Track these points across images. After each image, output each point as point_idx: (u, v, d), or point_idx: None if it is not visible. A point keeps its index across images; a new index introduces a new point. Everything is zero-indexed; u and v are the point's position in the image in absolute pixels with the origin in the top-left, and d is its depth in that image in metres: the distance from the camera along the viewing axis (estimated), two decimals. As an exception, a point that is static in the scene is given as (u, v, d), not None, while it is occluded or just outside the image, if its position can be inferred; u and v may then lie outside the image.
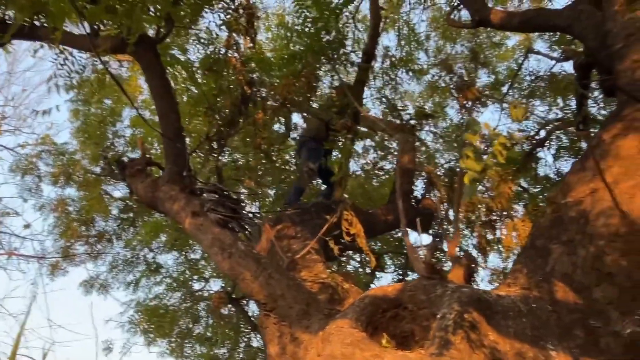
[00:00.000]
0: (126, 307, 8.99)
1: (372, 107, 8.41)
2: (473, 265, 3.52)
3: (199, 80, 4.98)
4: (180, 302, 8.97)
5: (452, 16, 7.20)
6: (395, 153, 6.62)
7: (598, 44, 4.53)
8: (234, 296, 6.93)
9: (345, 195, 6.99)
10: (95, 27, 3.83)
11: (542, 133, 7.83)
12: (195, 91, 5.09)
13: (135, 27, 3.51)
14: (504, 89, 8.32)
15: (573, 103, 7.33)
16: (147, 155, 4.14)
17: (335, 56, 4.72)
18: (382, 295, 2.82)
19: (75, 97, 7.73)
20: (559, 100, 7.73)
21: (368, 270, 8.83)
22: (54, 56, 4.00)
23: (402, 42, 8.94)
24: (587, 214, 2.93)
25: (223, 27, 4.38)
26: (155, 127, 4.94)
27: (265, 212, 5.00)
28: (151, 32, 4.46)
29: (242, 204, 3.47)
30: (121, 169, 4.01)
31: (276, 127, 6.14)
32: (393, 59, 7.77)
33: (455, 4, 7.29)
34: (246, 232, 3.47)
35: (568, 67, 7.56)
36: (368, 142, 6.88)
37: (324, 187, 5.68)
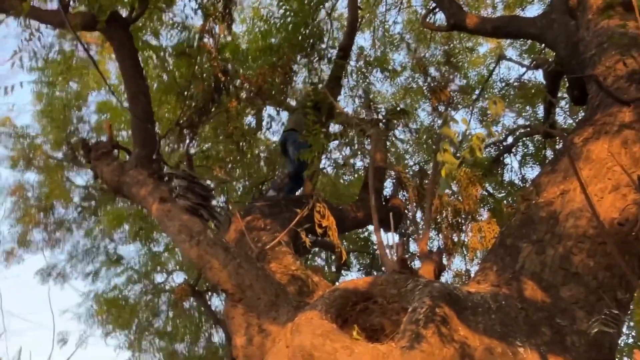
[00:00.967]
0: (84, 298, 8.70)
1: (346, 104, 8.43)
2: (443, 263, 3.52)
3: (171, 66, 4.84)
4: (141, 295, 8.73)
5: (427, 19, 7.27)
6: (367, 151, 6.61)
7: (569, 53, 4.63)
8: (197, 289, 6.79)
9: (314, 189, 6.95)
10: (66, 1, 3.66)
11: (510, 139, 7.99)
12: (167, 77, 4.94)
13: (106, 5, 3.38)
14: (475, 94, 8.44)
15: (541, 111, 7.50)
16: (115, 138, 3.99)
17: (312, 50, 4.66)
18: (353, 288, 2.78)
19: (39, 78, 7.43)
20: (528, 108, 7.90)
21: (334, 268, 8.81)
22: (20, 30, 3.81)
23: (377, 42, 8.98)
24: (557, 214, 2.97)
25: (199, 12, 4.26)
26: (122, 112, 4.78)
27: (235, 202, 4.90)
28: (124, 13, 4.31)
29: (212, 192, 3.37)
30: (86, 151, 3.85)
31: (248, 120, 6.06)
32: (368, 58, 7.78)
33: (432, 6, 7.36)
34: (215, 221, 3.38)
35: (538, 75, 7.73)
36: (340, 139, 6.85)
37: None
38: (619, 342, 2.93)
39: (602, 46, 3.75)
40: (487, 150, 8.12)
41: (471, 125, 8.63)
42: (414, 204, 6.36)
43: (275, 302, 2.82)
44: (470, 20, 6.13)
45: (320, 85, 4.97)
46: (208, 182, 4.63)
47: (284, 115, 6.01)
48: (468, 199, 6.08)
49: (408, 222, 6.56)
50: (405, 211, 6.39)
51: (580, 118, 4.41)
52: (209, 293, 7.17)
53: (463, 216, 6.25)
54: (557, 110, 7.30)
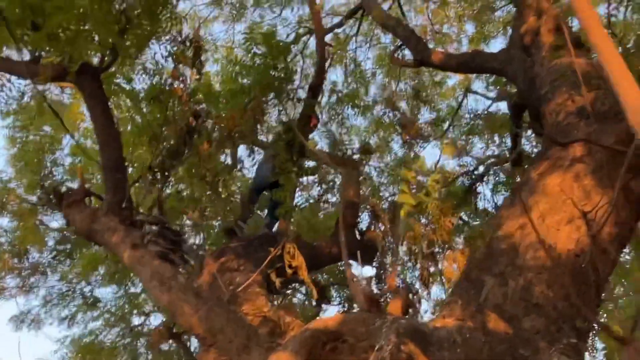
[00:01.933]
0: (60, 345, 8.52)
1: (320, 140, 8.60)
2: (413, 296, 3.60)
3: (144, 110, 4.93)
4: (119, 338, 8.58)
5: (396, 55, 7.53)
6: (339, 186, 6.74)
7: (527, 87, 4.86)
8: (175, 331, 6.73)
9: (291, 228, 7.02)
10: (37, 54, 3.76)
11: (481, 169, 8.21)
12: (140, 121, 5.02)
13: (77, 56, 3.48)
14: (445, 125, 8.70)
15: (509, 141, 7.75)
16: (87, 186, 4.04)
17: (282, 91, 4.81)
18: (323, 327, 2.84)
19: (12, 123, 7.45)
20: (496, 138, 8.15)
21: (314, 303, 8.80)
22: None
23: (349, 79, 9.23)
24: (517, 247, 3.09)
25: (170, 59, 4.39)
26: (94, 157, 4.85)
27: (211, 244, 4.95)
28: (95, 60, 4.42)
29: (184, 236, 3.43)
30: (58, 199, 3.88)
31: (223, 157, 6.14)
32: (340, 94, 7.99)
33: (399, 44, 7.63)
34: (187, 265, 3.43)
35: (504, 106, 8.02)
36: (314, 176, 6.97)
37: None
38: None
39: (554, 83, 3.97)
40: (460, 180, 8.34)
41: (441, 157, 8.90)
42: (389, 237, 6.47)
43: (247, 344, 2.86)
44: (435, 57, 6.39)
45: (291, 124, 5.10)
46: (183, 224, 4.68)
47: (259, 153, 6.13)
48: (441, 230, 6.20)
49: (383, 253, 6.65)
50: (381, 243, 6.49)
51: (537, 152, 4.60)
52: (187, 335, 7.10)
53: (438, 246, 6.36)
54: (524, 139, 7.55)
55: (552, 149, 3.43)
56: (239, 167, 6.21)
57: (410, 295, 3.32)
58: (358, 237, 6.07)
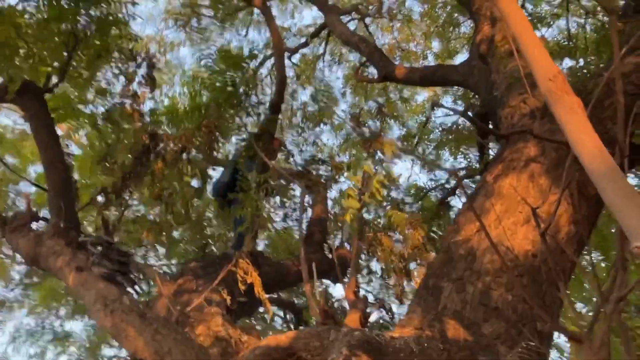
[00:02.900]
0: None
1: (294, 160, 8.51)
2: (387, 312, 3.47)
3: (100, 132, 4.80)
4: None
5: (360, 71, 7.54)
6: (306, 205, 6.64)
7: (489, 96, 4.85)
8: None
9: (263, 248, 6.87)
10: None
11: (453, 182, 8.18)
12: (93, 143, 4.88)
13: (16, 75, 3.36)
14: (416, 140, 8.68)
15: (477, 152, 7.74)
16: (33, 210, 3.86)
17: (242, 107, 4.73)
18: (275, 345, 2.69)
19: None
20: (465, 150, 8.14)
21: (292, 326, 8.58)
22: None
23: (318, 97, 9.21)
24: (474, 251, 3.00)
25: (121, 77, 4.28)
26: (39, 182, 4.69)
27: (164, 264, 4.78)
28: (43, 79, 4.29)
29: (132, 256, 3.27)
30: (1, 224, 3.70)
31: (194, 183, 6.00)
32: (307, 113, 7.96)
33: (363, 60, 7.65)
34: (136, 285, 3.26)
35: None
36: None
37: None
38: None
39: (508, 87, 3.95)
40: (433, 193, 8.28)
41: (414, 170, 8.83)
42: (358, 253, 6.35)
43: (195, 366, 2.70)
44: (399, 72, 6.39)
45: (251, 139, 5.00)
46: (145, 246, 4.51)
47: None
48: (412, 244, 6.10)
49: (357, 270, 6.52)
50: (351, 259, 6.37)
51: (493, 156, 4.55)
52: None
53: (412, 261, 6.25)
54: (492, 148, 7.54)
55: (507, 150, 3.38)
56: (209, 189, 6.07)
57: (368, 308, 3.18)
58: (328, 254, 5.94)
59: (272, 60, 8.99)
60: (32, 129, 3.62)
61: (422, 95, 9.90)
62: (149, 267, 3.99)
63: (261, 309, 4.88)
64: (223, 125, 4.73)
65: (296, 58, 9.66)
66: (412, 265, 6.18)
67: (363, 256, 6.45)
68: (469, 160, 7.78)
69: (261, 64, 7.87)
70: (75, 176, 4.73)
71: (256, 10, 9.15)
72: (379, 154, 5.65)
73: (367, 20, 9.41)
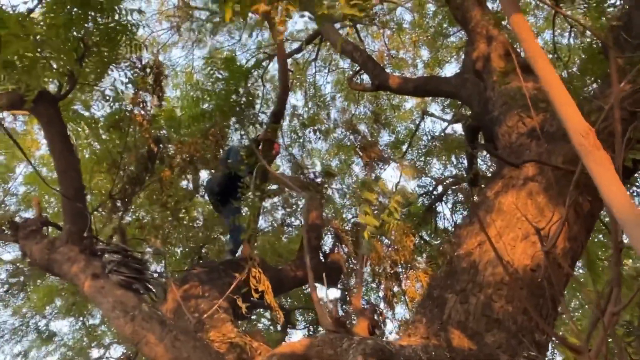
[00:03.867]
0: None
1: (282, 164, 8.65)
2: (378, 317, 3.65)
3: (103, 137, 4.87)
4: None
5: (354, 80, 7.71)
6: (302, 210, 6.78)
7: (481, 109, 5.06)
8: (136, 363, 6.52)
9: (255, 252, 6.98)
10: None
11: (440, 189, 8.42)
12: (99, 148, 4.95)
13: (34, 84, 3.43)
14: (404, 147, 8.91)
15: (465, 161, 8.00)
16: (44, 215, 3.93)
17: (244, 116, 4.85)
18: (290, 352, 2.84)
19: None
20: (453, 159, 8.40)
21: (279, 327, 8.72)
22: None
23: (309, 103, 9.37)
24: (477, 264, 3.19)
25: (130, 85, 4.37)
26: (52, 185, 4.73)
27: (173, 270, 4.87)
28: (52, 87, 4.35)
29: (147, 264, 3.37)
30: (14, 230, 3.76)
31: (184, 183, 6.10)
32: (301, 118, 8.10)
33: (357, 69, 7.82)
34: (151, 293, 3.37)
35: (459, 128, 8.30)
36: (276, 199, 7.00)
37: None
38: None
39: (505, 106, 4.16)
40: (420, 200, 8.52)
41: (401, 178, 9.09)
42: (353, 258, 6.52)
43: (213, 372, 2.83)
44: (392, 81, 6.58)
45: (254, 148, 5.12)
46: (144, 253, 4.60)
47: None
48: (403, 250, 6.29)
49: (347, 275, 6.70)
50: (345, 265, 6.54)
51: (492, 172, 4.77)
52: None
53: (402, 266, 6.45)
54: (480, 159, 7.81)
55: (506, 168, 3.58)
56: (200, 192, 6.17)
57: (375, 316, 3.36)
58: (322, 259, 6.10)
59: (265, 62, 9.14)
60: (46, 137, 3.69)
61: (411, 102, 10.15)
62: (161, 274, 4.09)
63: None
64: (226, 134, 4.85)
65: (287, 62, 9.82)
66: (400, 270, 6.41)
67: (354, 260, 6.64)
68: (458, 168, 8.05)
69: (256, 66, 7.97)
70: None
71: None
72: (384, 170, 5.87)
73: (359, 26, 9.59)
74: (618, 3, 4.86)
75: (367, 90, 7.29)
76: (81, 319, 8.07)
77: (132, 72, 4.45)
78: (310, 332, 7.75)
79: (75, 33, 4.11)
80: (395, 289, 6.29)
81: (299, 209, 6.34)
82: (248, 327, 8.07)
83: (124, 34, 4.38)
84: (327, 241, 7.06)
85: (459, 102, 7.94)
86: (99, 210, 4.22)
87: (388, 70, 8.08)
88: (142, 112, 4.30)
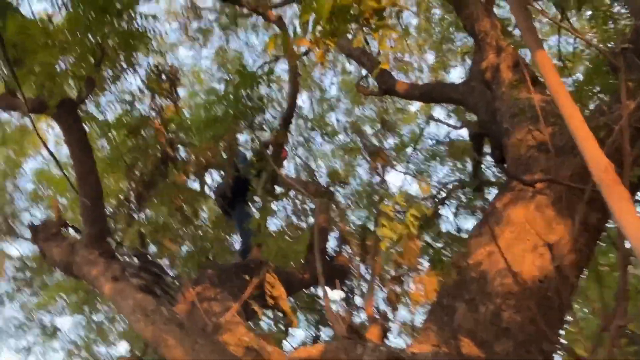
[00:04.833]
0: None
1: (288, 166, 8.75)
2: (387, 324, 3.75)
3: (116, 140, 4.97)
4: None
5: (361, 84, 7.80)
6: (309, 213, 6.89)
7: (489, 118, 5.16)
8: (143, 360, 6.63)
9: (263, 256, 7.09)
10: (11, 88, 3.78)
11: (443, 193, 8.54)
12: (111, 150, 5.05)
13: (57, 90, 3.53)
14: (409, 150, 9.01)
15: (469, 166, 8.11)
16: (62, 218, 4.03)
17: (254, 121, 4.95)
18: (306, 356, 2.95)
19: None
20: (457, 164, 8.50)
21: (282, 327, 8.83)
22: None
23: (315, 104, 9.47)
24: (486, 274, 3.30)
25: (146, 90, 4.47)
26: (64, 184, 4.83)
27: (184, 271, 4.98)
28: (71, 92, 4.45)
29: (164, 269, 3.48)
30: (34, 233, 3.86)
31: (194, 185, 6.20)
32: (307, 120, 8.20)
33: (365, 73, 7.92)
34: (168, 297, 3.47)
35: (464, 132, 8.40)
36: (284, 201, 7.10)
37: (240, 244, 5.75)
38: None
39: (514, 119, 4.26)
40: (424, 203, 8.63)
41: (406, 180, 9.18)
42: (358, 260, 6.64)
43: (232, 375, 2.93)
44: (400, 87, 6.68)
45: (265, 152, 5.22)
46: (161, 256, 4.71)
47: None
48: (408, 252, 6.37)
49: (353, 277, 6.82)
50: (351, 267, 6.66)
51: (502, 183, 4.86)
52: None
53: (405, 269, 6.55)
54: (485, 165, 7.91)
55: (515, 180, 3.68)
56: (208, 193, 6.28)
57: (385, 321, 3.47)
58: (328, 260, 6.22)
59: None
60: (66, 141, 3.78)
61: (416, 104, 10.23)
62: (178, 278, 4.19)
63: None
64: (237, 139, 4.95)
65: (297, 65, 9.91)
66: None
67: (357, 263, 6.76)
68: (463, 173, 8.15)
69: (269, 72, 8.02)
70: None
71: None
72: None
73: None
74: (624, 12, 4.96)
75: (375, 95, 7.40)
76: (89, 315, 8.17)
77: (148, 77, 4.54)
78: (313, 334, 7.86)
79: (92, 38, 4.21)
80: (398, 291, 6.40)
81: (307, 212, 6.45)
82: (256, 329, 8.19)
83: (141, 40, 4.47)
84: (332, 242, 7.20)
85: (463, 109, 8.06)
86: (117, 213, 4.33)
87: (393, 73, 8.19)
88: (159, 117, 4.39)
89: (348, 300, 6.86)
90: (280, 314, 7.98)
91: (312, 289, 8.83)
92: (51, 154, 3.06)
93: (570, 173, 3.45)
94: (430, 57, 10.14)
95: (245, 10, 6.93)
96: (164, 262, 4.68)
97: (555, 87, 1.60)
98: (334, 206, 7.01)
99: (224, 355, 3.05)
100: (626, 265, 2.67)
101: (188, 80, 8.45)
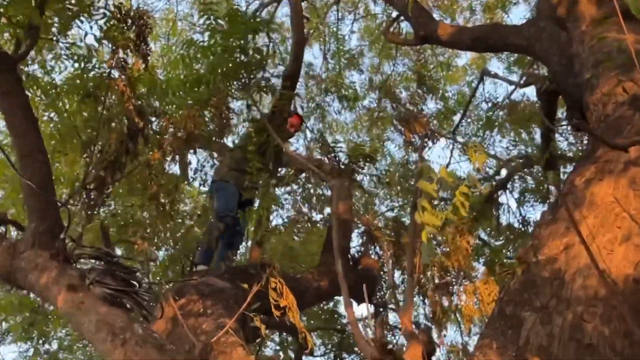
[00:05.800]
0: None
1: (297, 141, 8.75)
2: (432, 342, 3.75)
3: (68, 108, 5.00)
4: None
5: (392, 30, 7.76)
6: (325, 201, 6.89)
7: (563, 69, 5.10)
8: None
9: (264, 256, 7.14)
10: None
11: (503, 173, 8.48)
12: (61, 123, 5.09)
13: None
14: (456, 119, 8.95)
15: (538, 137, 8.04)
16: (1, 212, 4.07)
17: (251, 81, 4.94)
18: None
19: None
20: (522, 133, 8.44)
21: (291, 353, 8.91)
22: None
23: (329, 60, 9.43)
24: (562, 274, 3.27)
25: (105, 41, 4.48)
26: (9, 165, 4.88)
27: (167, 281, 5.01)
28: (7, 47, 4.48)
29: (137, 274, 3.50)
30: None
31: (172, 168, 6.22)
32: (320, 81, 8.18)
33: (395, 15, 7.87)
34: (143, 310, 3.49)
35: (531, 93, 8.32)
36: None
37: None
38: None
39: (599, 67, 4.20)
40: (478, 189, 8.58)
41: (453, 157, 9.16)
42: (391, 263, 6.63)
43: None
44: (443, 31, 6.62)
45: (265, 122, 5.22)
46: (132, 258, 4.74)
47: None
48: (457, 252, 6.37)
49: (384, 286, 6.82)
50: (380, 273, 6.66)
51: (582, 154, 4.83)
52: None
53: (453, 274, 6.55)
54: (558, 135, 7.85)
55: (601, 148, 3.64)
56: (192, 178, 6.30)
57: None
58: (351, 265, 6.22)
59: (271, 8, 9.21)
60: (2, 109, 3.82)
61: (465, 58, 10.18)
62: (154, 284, 4.23)
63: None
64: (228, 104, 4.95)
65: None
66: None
67: (390, 266, 6.76)
68: (529, 146, 8.10)
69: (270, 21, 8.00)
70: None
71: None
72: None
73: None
74: None
75: (409, 44, 7.35)
76: (38, 343, 8.30)
77: (107, 24, 4.56)
78: (334, 360, 7.93)
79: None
80: (446, 304, 6.40)
81: (322, 200, 6.45)
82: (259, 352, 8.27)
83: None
84: (356, 240, 7.21)
85: (531, 59, 7.97)
86: (71, 203, 4.35)
87: (435, 16, 8.12)
88: (124, 77, 4.41)
89: (379, 315, 6.88)
90: (290, 334, 8.09)
91: (331, 303, 8.91)
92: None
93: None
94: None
95: None
96: (137, 266, 4.71)
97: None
98: (357, 192, 7.00)
99: (217, 385, 3.09)
100: None
101: (161, 28, 8.45)
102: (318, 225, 7.36)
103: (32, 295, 6.26)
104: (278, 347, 9.23)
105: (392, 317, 6.79)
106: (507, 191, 8.35)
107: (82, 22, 4.58)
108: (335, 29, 9.52)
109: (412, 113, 7.35)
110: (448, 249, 6.34)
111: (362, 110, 9.26)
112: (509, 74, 8.87)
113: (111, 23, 4.49)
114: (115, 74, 4.46)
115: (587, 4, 4.72)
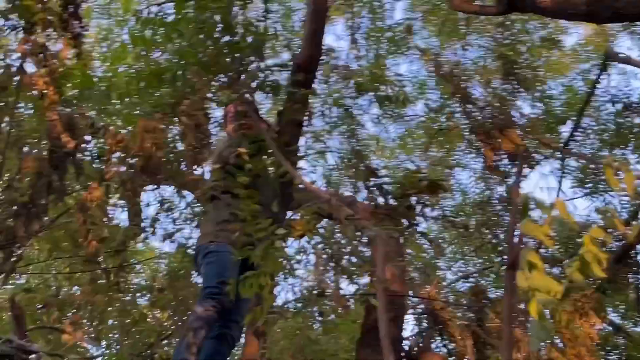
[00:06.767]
0: None
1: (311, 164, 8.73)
2: None
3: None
4: None
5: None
6: (362, 261, 6.85)
7: None
8: None
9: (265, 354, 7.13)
10: None
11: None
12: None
13: None
14: (565, 126, 8.90)
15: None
16: None
17: (243, 74, 4.94)
18: None
19: None
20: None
21: None
22: None
23: (363, 41, 9.47)
24: None
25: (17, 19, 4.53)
26: None
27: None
28: None
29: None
30: None
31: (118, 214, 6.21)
32: (347, 73, 8.18)
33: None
34: None
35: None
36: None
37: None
38: None
39: None
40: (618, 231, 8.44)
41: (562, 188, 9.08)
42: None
43: None
44: (543, -2, 6.62)
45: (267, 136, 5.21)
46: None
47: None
48: (575, 344, 6.31)
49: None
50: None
51: None
52: None
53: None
54: None
55: None
56: (150, 228, 6.26)
57: None
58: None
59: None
60: None
61: (576, 33, 10.17)
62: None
63: None
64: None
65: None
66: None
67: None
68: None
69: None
70: None
71: None
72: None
73: None
74: None
75: (489, 14, 7.37)
76: None
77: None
78: None
79: None
80: None
81: (356, 261, 6.41)
82: None
83: None
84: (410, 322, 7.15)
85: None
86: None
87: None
88: (42, 70, 4.44)
89: None
90: None
91: None
92: None
93: None
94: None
95: None
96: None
97: None
98: (413, 247, 6.95)
99: None
100: None
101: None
102: (351, 302, 7.29)
103: None
104: None
105: None
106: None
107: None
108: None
109: (497, 121, 7.34)
110: (562, 336, 6.30)
111: (414, 119, 9.26)
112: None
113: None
114: (31, 66, 4.49)
115: None
